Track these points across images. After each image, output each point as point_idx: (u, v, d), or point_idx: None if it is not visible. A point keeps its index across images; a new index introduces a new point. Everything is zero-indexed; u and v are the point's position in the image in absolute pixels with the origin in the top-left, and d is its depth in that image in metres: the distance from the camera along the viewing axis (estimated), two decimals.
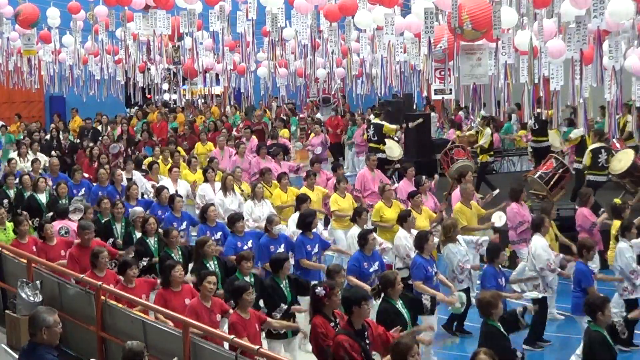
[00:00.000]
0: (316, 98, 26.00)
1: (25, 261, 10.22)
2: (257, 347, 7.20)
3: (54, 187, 14.34)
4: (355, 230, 11.10)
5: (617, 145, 16.15)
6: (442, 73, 11.31)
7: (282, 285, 8.98)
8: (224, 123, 23.23)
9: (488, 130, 18.06)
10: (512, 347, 7.76)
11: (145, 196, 14.49)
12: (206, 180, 14.76)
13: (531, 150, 19.29)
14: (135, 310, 8.64)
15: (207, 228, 11.52)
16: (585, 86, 10.94)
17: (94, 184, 15.26)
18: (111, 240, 11.55)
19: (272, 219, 10.92)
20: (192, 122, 24.44)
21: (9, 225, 11.63)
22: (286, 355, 8.55)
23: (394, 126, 19.05)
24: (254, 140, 19.89)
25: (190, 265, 10.35)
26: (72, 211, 12.18)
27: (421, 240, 10.02)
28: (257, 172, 15.77)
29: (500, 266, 10.16)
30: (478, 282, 11.13)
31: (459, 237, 10.94)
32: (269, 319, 8.43)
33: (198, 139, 20.38)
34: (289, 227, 11.82)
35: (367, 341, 7.18)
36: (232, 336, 7.56)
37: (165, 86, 26.34)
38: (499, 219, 12.13)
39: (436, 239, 10.65)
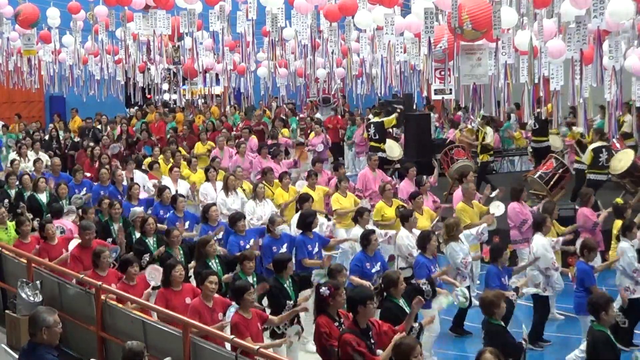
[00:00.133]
0: (316, 98, 25.97)
1: (25, 261, 10.23)
2: (257, 347, 7.19)
3: (55, 187, 14.35)
4: (357, 230, 11.10)
5: (617, 145, 16.15)
6: (442, 73, 11.29)
7: (285, 285, 9.00)
8: (223, 123, 23.24)
9: (489, 129, 18.05)
10: (515, 342, 7.77)
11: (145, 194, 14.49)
12: (208, 179, 14.77)
13: (531, 150, 19.29)
14: (135, 310, 8.64)
15: (208, 228, 11.53)
16: (585, 86, 10.94)
17: (95, 184, 15.27)
18: (109, 240, 11.54)
19: (274, 219, 10.92)
20: (191, 122, 24.44)
21: (11, 224, 11.63)
22: (287, 356, 8.55)
23: (392, 116, 19.07)
24: (253, 140, 19.90)
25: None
26: (66, 213, 12.26)
27: (424, 240, 10.05)
28: (259, 171, 15.78)
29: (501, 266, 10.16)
30: (478, 282, 11.14)
31: (460, 235, 10.94)
32: (270, 317, 8.44)
33: (197, 138, 20.38)
34: (292, 229, 11.80)
35: (372, 340, 7.19)
36: (232, 336, 7.56)
37: (165, 86, 26.30)
38: (497, 208, 12.11)
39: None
